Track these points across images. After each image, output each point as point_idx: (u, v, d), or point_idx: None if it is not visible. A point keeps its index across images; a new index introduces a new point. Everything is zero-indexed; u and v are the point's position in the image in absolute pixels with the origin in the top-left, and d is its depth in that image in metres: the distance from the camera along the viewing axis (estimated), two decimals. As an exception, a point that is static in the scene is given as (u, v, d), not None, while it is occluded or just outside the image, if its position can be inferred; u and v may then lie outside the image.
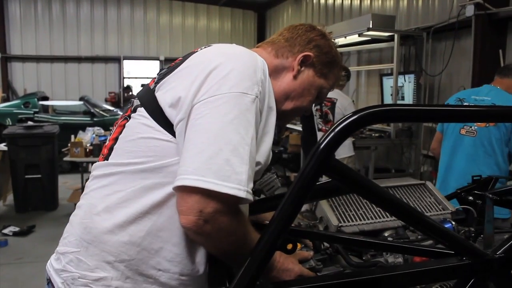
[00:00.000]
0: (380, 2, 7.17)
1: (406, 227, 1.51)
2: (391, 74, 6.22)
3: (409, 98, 6.01)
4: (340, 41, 6.85)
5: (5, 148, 5.89)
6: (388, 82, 6.40)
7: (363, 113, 0.85)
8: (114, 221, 1.14)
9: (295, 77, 1.34)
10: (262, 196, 1.33)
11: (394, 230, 1.50)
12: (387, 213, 1.53)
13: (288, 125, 8.15)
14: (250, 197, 1.04)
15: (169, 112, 1.13)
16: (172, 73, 1.19)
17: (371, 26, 5.70)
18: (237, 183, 1.01)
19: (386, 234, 1.48)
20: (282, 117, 1.33)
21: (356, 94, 7.83)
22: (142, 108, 1.19)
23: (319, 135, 5.47)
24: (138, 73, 12.16)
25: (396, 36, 5.76)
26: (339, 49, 5.60)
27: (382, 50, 7.05)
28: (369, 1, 7.46)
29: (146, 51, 12.05)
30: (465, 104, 3.05)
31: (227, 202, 1.03)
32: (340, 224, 1.48)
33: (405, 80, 6.04)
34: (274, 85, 1.29)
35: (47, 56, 11.67)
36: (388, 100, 6.42)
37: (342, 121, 0.85)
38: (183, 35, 12.44)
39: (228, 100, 1.07)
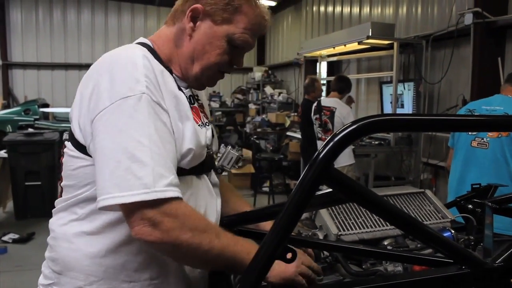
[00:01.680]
0: (379, 10, 7.20)
1: (405, 236, 1.51)
2: (390, 82, 6.23)
3: (408, 106, 6.02)
4: (340, 49, 6.88)
5: (5, 155, 5.89)
6: (388, 90, 6.41)
7: (361, 123, 0.86)
8: (74, 247, 1.17)
9: (190, 36, 1.26)
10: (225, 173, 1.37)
11: (393, 239, 1.50)
12: (387, 223, 1.53)
13: (288, 133, 8.18)
14: (164, 194, 1.02)
15: (79, 137, 1.15)
16: (80, 84, 1.20)
17: (370, 34, 5.72)
18: (142, 188, 1.00)
19: (385, 243, 1.48)
20: (202, 80, 1.31)
21: (356, 102, 7.84)
22: (68, 141, 1.21)
23: (319, 144, 5.51)
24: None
25: (395, 44, 5.78)
26: (340, 57, 5.58)
27: (382, 58, 7.07)
28: (368, 9, 7.50)
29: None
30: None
31: (147, 208, 1.02)
32: (339, 233, 1.48)
33: (404, 88, 6.05)
34: (179, 53, 1.28)
35: (47, 63, 11.72)
36: (387, 108, 6.43)
37: (340, 131, 0.85)
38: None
39: (113, 111, 1.06)
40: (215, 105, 11.96)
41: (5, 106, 11.15)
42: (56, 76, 11.88)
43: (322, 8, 9.24)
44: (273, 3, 10.58)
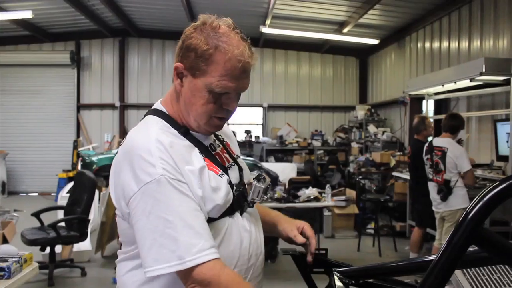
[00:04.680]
0: (491, 43, 6.84)
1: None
2: (506, 119, 5.85)
3: (528, 146, 5.59)
4: (449, 86, 6.62)
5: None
6: (504, 128, 6.01)
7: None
8: None
9: (180, 92, 1.38)
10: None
11: (536, 300, 1.37)
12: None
13: (394, 173, 7.91)
14: (195, 262, 1.17)
15: (119, 206, 1.33)
16: (112, 168, 1.36)
17: (484, 71, 5.44)
18: (177, 259, 1.17)
19: (526, 304, 1.36)
20: (201, 129, 1.40)
21: (467, 142, 7.43)
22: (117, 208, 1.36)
23: (430, 185, 5.26)
24: (242, 119, 12.54)
25: (512, 80, 5.44)
26: (448, 95, 5.32)
27: (495, 94, 6.68)
28: (479, 43, 7.16)
29: (250, 98, 12.42)
30: None
31: (186, 276, 1.19)
32: (473, 290, 1.39)
33: (523, 126, 5.64)
34: (180, 109, 1.40)
35: (158, 104, 12.47)
36: (503, 148, 6.01)
37: (491, 189, 0.81)
38: (285, 82, 12.73)
39: (140, 197, 1.22)
40: (316, 143, 11.94)
41: (121, 145, 11.98)
42: (166, 116, 12.59)
43: (427, 44, 8.99)
44: (376, 41, 10.51)
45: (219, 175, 1.36)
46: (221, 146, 1.51)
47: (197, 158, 1.33)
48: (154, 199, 1.21)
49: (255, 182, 1.44)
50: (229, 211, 1.36)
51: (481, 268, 1.47)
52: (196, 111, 1.35)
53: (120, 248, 1.42)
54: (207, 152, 1.40)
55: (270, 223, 1.65)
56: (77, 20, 10.81)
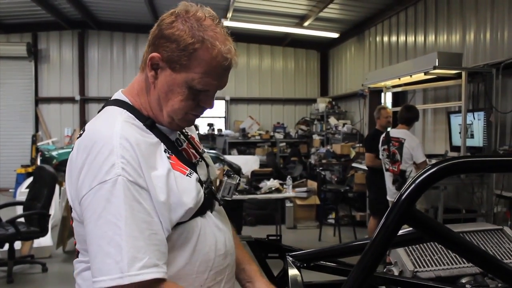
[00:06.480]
0: (445, 38, 7.09)
1: (484, 274, 1.49)
2: (459, 111, 6.09)
3: (479, 136, 5.84)
4: (405, 79, 6.82)
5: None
6: (456, 120, 6.26)
7: (443, 165, 0.89)
8: None
9: (154, 84, 1.27)
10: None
11: (472, 277, 1.48)
12: (463, 259, 1.52)
13: (354, 164, 8.10)
14: (136, 278, 1.06)
15: (75, 208, 1.21)
16: (67, 165, 1.23)
17: (437, 65, 5.64)
18: (119, 272, 1.05)
19: (463, 281, 1.47)
20: (174, 125, 1.30)
21: (423, 133, 7.70)
22: (74, 211, 1.24)
23: (387, 175, 5.44)
24: (204, 112, 12.51)
25: (463, 74, 5.67)
26: (405, 87, 5.50)
27: (449, 87, 6.93)
28: (433, 38, 7.40)
29: (212, 91, 12.42)
30: None
31: None
32: (415, 270, 1.49)
33: (474, 118, 5.88)
34: (149, 101, 1.29)
35: (120, 98, 12.30)
36: (456, 138, 6.26)
37: (422, 173, 0.89)
38: (247, 75, 12.78)
39: (92, 198, 1.11)
40: (279, 136, 12.07)
41: (81, 138, 11.80)
42: (127, 109, 12.44)
43: (385, 38, 9.21)
44: (336, 35, 10.68)
45: (186, 175, 1.26)
46: (187, 141, 1.42)
47: (162, 160, 1.22)
48: (107, 201, 1.10)
49: (226, 178, 1.38)
50: (200, 211, 1.27)
51: (423, 250, 1.58)
52: (173, 107, 1.26)
53: (77, 257, 1.28)
54: (173, 148, 1.30)
55: (247, 277, 1.48)
56: (33, 11, 10.52)
